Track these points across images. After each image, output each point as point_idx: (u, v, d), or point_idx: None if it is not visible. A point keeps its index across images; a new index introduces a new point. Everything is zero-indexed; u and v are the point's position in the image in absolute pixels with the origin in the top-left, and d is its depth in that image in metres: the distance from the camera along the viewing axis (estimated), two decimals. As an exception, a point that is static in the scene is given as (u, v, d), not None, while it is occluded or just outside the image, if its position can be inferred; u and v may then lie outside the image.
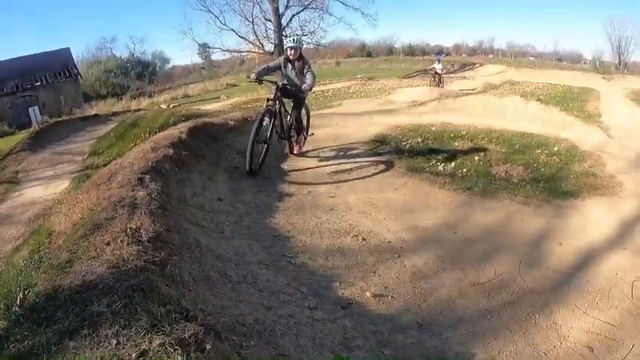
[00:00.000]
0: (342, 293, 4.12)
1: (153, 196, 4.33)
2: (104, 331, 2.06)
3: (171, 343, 1.99)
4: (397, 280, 4.50)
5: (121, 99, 30.15)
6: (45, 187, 9.62)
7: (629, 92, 19.33)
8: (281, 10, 27.09)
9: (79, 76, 31.22)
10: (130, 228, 3.34)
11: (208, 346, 2.05)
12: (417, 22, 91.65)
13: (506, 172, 7.85)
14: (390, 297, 4.22)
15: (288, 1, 27.22)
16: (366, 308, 3.96)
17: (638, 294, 4.39)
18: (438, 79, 23.70)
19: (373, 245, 5.14)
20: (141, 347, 1.96)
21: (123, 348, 1.95)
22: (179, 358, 1.91)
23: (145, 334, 2.04)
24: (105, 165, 9.62)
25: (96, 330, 2.08)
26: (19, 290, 2.87)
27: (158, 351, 1.94)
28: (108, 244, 3.11)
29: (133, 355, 1.92)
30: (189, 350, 1.98)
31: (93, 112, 21.02)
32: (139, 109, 19.62)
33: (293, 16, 27.75)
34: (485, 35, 79.01)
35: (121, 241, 3.11)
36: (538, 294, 4.43)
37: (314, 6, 27.61)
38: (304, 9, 27.61)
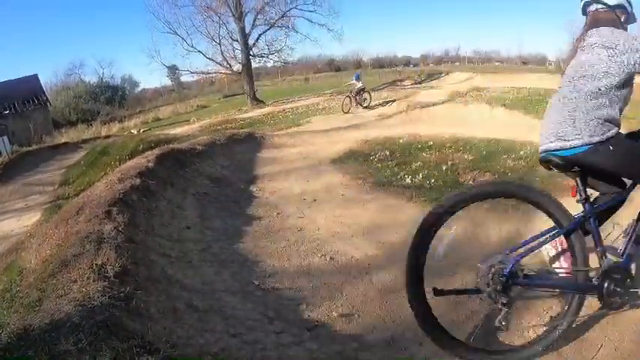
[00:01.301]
0: (309, 315, 4.18)
1: (120, 229, 4.40)
2: None
3: (133, 379, 2.08)
4: (364, 298, 4.57)
5: (91, 125, 29.84)
6: (17, 220, 9.51)
7: None
8: (247, 30, 27.33)
9: (48, 103, 30.88)
10: (96, 264, 3.41)
11: (169, 382, 2.15)
12: (384, 35, 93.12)
13: (473, 179, 8.01)
14: (356, 316, 4.29)
15: (254, 21, 27.49)
16: (332, 329, 4.01)
17: None
18: (356, 99, 19.46)
19: (341, 264, 5.22)
20: None
21: None
22: None
23: None
24: (76, 195, 9.58)
25: None
26: None
27: None
28: (75, 281, 3.17)
29: None
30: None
31: (63, 140, 20.77)
32: (109, 136, 19.46)
33: (260, 35, 28.00)
34: (451, 44, 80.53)
35: (87, 278, 3.18)
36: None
37: (280, 24, 27.88)
38: (270, 28, 27.86)
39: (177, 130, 18.44)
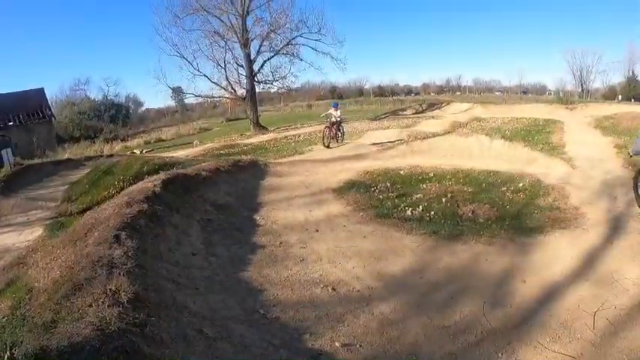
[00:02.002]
0: (312, 344, 4.32)
1: (129, 254, 4.51)
2: None
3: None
4: (365, 329, 4.71)
5: (94, 142, 29.99)
6: (18, 234, 9.50)
7: (592, 120, 20.10)
8: (252, 56, 27.60)
9: (53, 118, 31.00)
10: (110, 289, 3.54)
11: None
12: (386, 64, 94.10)
13: (472, 212, 8.15)
14: (358, 345, 4.42)
15: (259, 48, 27.79)
16: (335, 358, 4.16)
17: (600, 324, 4.67)
18: (335, 129, 16.66)
19: (342, 295, 5.36)
20: None
21: None
22: None
23: None
24: (79, 213, 9.66)
25: None
26: (6, 348, 2.99)
27: None
28: (90, 305, 3.29)
29: None
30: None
31: (66, 156, 20.85)
32: (112, 155, 19.50)
33: (265, 61, 28.22)
34: (453, 73, 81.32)
35: (102, 303, 3.30)
36: (501, 333, 4.68)
37: (285, 52, 28.15)
38: (275, 55, 28.16)
39: (180, 153, 18.54)
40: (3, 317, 4.02)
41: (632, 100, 36.58)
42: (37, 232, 9.31)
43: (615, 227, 7.00)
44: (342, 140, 17.16)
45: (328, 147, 15.98)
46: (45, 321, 3.27)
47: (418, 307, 5.18)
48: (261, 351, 3.86)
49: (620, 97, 39.40)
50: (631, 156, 8.76)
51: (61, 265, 4.59)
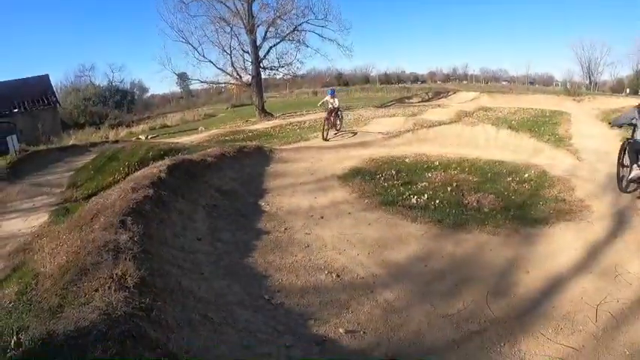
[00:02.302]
0: (317, 330, 4.35)
1: (135, 239, 4.53)
2: None
3: (163, 389, 2.22)
4: (369, 316, 4.74)
5: (99, 128, 29.97)
6: (24, 220, 9.55)
7: (599, 113, 19.93)
8: (258, 42, 27.42)
9: (58, 104, 30.99)
10: (116, 274, 3.55)
11: (193, 392, 2.29)
12: (392, 51, 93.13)
13: (477, 201, 8.12)
14: (362, 332, 4.46)
15: (265, 34, 27.57)
16: (339, 344, 4.20)
17: (603, 317, 4.68)
18: (333, 118, 15.78)
19: (347, 282, 5.38)
20: None
21: None
22: None
23: None
24: (84, 198, 9.69)
25: None
26: (13, 333, 3.01)
27: None
28: (96, 290, 3.31)
29: None
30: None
31: (71, 142, 20.86)
32: (117, 140, 19.53)
33: (270, 48, 27.97)
34: (459, 62, 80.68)
35: (109, 288, 3.32)
36: (504, 323, 4.69)
37: (291, 38, 27.95)
38: (281, 41, 27.96)
39: (185, 139, 18.52)
40: (9, 302, 4.04)
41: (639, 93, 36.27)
42: (43, 218, 9.34)
43: (620, 221, 6.96)
44: (341, 128, 16.44)
45: (326, 140, 14.79)
46: (51, 306, 3.29)
47: (422, 295, 5.20)
48: (266, 336, 3.89)
49: (627, 90, 39.06)
50: (611, 125, 9.37)
51: (67, 251, 4.62)
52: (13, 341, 2.88)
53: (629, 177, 7.70)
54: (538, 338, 4.45)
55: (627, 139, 8.21)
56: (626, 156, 7.98)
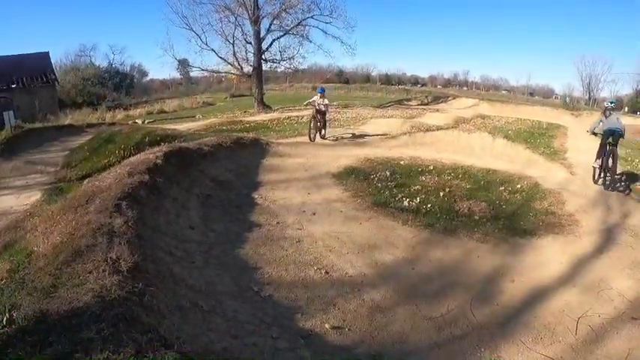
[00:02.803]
0: (303, 324, 4.44)
1: (130, 224, 4.58)
2: (96, 356, 2.31)
3: (156, 369, 2.29)
4: (355, 314, 4.83)
5: (97, 109, 29.82)
6: (16, 197, 9.52)
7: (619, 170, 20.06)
8: (262, 34, 27.41)
9: (57, 82, 30.78)
10: (111, 257, 3.62)
11: (185, 373, 2.36)
12: (395, 51, 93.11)
13: (469, 208, 8.22)
14: (347, 329, 4.55)
15: (269, 26, 27.54)
16: (324, 339, 4.28)
17: (583, 330, 4.81)
18: (321, 120, 13.95)
19: (335, 279, 5.46)
20: None
21: None
22: None
23: None
24: (78, 179, 9.71)
25: (88, 354, 2.33)
26: (5, 310, 3.04)
27: None
28: (90, 272, 3.37)
29: None
30: (170, 376, 2.28)
31: (67, 122, 20.79)
32: (114, 123, 19.48)
33: (274, 40, 27.92)
34: (460, 68, 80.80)
35: (103, 271, 3.38)
36: (486, 329, 4.81)
37: (295, 32, 27.92)
38: (285, 34, 27.93)
39: (183, 126, 18.46)
40: (1, 280, 4.04)
41: (638, 113, 36.45)
42: (35, 196, 9.32)
43: (607, 238, 7.10)
44: (326, 136, 14.25)
45: (312, 140, 13.58)
46: (45, 285, 3.32)
47: (407, 296, 5.30)
48: (253, 327, 3.97)
49: (626, 108, 39.26)
50: (589, 133, 11.17)
51: (61, 231, 4.64)
52: (5, 318, 2.91)
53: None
54: (518, 346, 4.57)
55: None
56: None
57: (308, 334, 4.27)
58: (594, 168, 10.33)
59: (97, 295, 3.01)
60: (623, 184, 10.16)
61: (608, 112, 10.60)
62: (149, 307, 3.14)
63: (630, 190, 9.75)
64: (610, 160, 9.98)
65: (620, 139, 10.27)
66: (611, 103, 11.19)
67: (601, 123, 10.51)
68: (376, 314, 4.89)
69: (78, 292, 3.07)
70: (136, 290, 3.24)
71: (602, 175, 10.16)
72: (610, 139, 10.08)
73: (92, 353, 2.35)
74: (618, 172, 10.50)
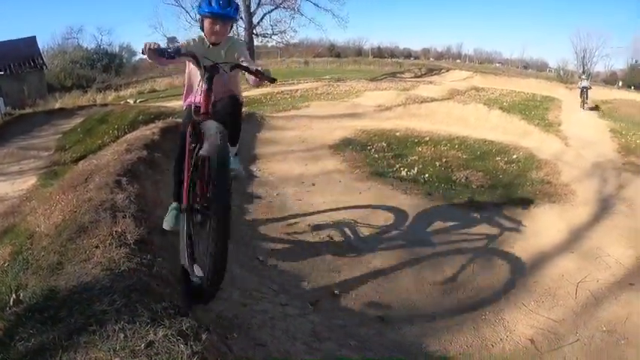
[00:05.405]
0: (311, 292, 4.48)
1: (132, 199, 4.55)
2: (111, 327, 2.30)
3: (173, 334, 2.28)
4: (360, 280, 4.86)
5: (87, 91, 29.45)
6: (11, 184, 9.50)
7: (590, 102, 20.20)
8: (252, 9, 27.11)
9: (45, 67, 30.36)
10: (116, 231, 3.60)
11: (204, 337, 2.36)
12: (387, 25, 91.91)
13: (466, 178, 8.30)
14: (353, 295, 4.58)
15: (260, 0, 27.27)
16: (331, 305, 4.33)
17: (582, 294, 4.88)
18: None
19: (338, 247, 5.49)
20: (147, 339, 2.25)
21: (131, 340, 2.23)
22: (181, 346, 2.21)
23: (148, 328, 2.33)
24: (72, 162, 9.68)
25: (103, 326, 2.32)
26: (11, 291, 3.04)
27: (163, 341, 2.23)
28: (96, 247, 3.35)
29: (142, 346, 2.20)
30: (189, 340, 2.28)
31: (58, 106, 20.59)
32: (106, 104, 19.29)
33: (265, 14, 27.70)
34: (454, 40, 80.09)
35: (110, 244, 3.36)
36: (489, 293, 4.87)
37: (286, 6, 27.64)
38: (276, 8, 27.63)
39: (175, 104, 18.25)
40: (4, 262, 3.98)
41: (632, 87, 36.47)
42: (31, 181, 9.33)
43: (603, 207, 7.23)
44: None
45: None
46: (50, 263, 3.30)
47: (411, 262, 5.32)
48: (261, 295, 4.00)
49: (620, 83, 39.23)
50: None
51: (62, 210, 4.61)
52: (12, 299, 2.88)
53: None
54: (520, 309, 4.64)
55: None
56: None
57: (316, 301, 4.30)
58: (580, 101, 20.15)
59: (106, 268, 3.00)
60: (593, 109, 19.13)
61: (581, 80, 21.90)
62: (159, 277, 3.14)
63: (597, 107, 19.97)
64: (585, 97, 19.98)
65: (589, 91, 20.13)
66: (584, 75, 22.30)
67: (581, 83, 21.14)
68: (380, 280, 4.93)
69: (86, 266, 3.07)
70: (145, 262, 3.23)
71: (582, 106, 19.70)
72: (583, 89, 20.13)
73: (107, 324, 2.34)
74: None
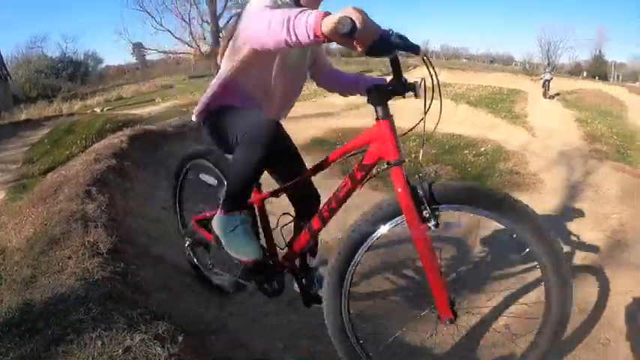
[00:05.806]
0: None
1: (102, 208, 4.55)
2: (88, 335, 2.33)
3: (150, 339, 2.33)
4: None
5: (52, 101, 28.99)
6: (-20, 199, 9.35)
7: (554, 93, 20.66)
8: (218, 12, 26.99)
9: (9, 77, 29.74)
10: (88, 241, 3.60)
11: (180, 339, 2.41)
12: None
13: (435, 172, 8.44)
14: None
15: (226, 3, 27.12)
16: (310, 303, 4.38)
17: None
18: None
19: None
20: (124, 344, 2.28)
21: (108, 346, 2.26)
22: (159, 349, 2.26)
23: (125, 334, 2.36)
24: (41, 174, 9.54)
25: (80, 335, 2.35)
26: None
27: (140, 345, 2.27)
28: (69, 257, 3.35)
29: (120, 351, 2.23)
30: (165, 343, 2.33)
31: (24, 117, 20.27)
32: (72, 114, 19.06)
33: (231, 17, 27.31)
34: (420, 38, 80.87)
35: (82, 254, 3.37)
36: (460, 284, 4.98)
37: (249, 9, 27.43)
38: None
39: (144, 111, 18.21)
40: None
41: (597, 78, 37.51)
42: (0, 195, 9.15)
43: (571, 194, 7.42)
44: None
45: None
46: (24, 277, 3.27)
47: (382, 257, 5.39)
48: (239, 296, 4.04)
49: (585, 73, 40.26)
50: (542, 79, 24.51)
51: (33, 223, 4.57)
52: None
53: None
54: (493, 296, 4.72)
55: None
56: None
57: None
58: (543, 91, 23.99)
59: (80, 278, 3.01)
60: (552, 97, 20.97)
61: (545, 73, 23.15)
62: (133, 285, 3.16)
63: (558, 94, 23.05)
64: (546, 88, 23.33)
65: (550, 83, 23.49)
66: (548, 68, 19.94)
67: (544, 76, 23.34)
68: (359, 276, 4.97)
69: (60, 277, 3.07)
70: (118, 270, 3.25)
71: (544, 95, 22.75)
72: (545, 82, 23.19)
73: (84, 333, 2.38)
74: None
